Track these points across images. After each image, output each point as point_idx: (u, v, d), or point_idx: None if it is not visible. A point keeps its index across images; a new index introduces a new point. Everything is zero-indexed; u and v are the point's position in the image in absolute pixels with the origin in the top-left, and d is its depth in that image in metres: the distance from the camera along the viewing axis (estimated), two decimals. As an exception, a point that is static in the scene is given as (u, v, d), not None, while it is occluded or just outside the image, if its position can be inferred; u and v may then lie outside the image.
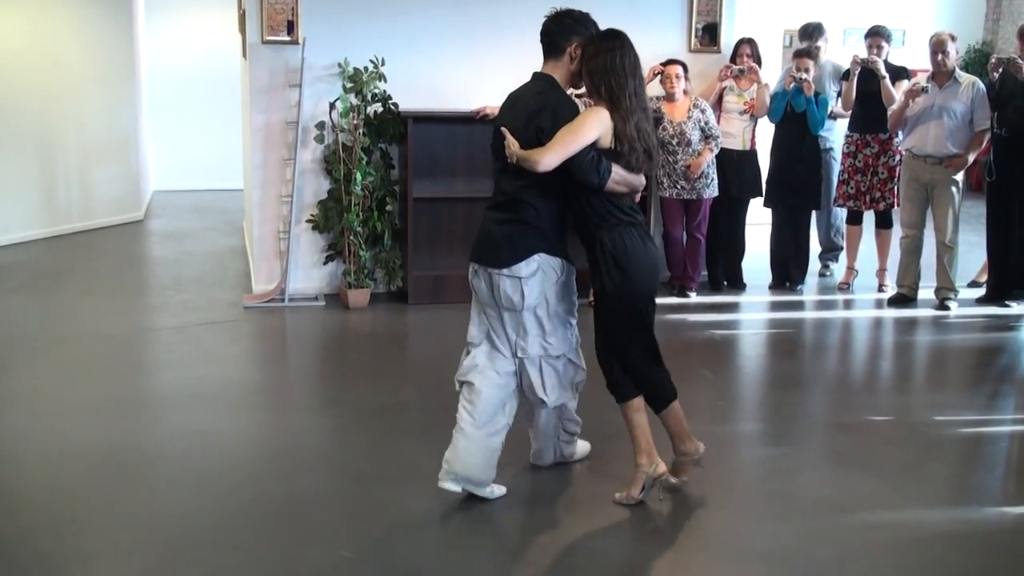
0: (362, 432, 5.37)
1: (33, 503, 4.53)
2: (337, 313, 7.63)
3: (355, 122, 7.60)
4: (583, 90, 4.56)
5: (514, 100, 4.50)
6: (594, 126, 4.22)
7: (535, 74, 4.50)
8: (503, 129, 4.36)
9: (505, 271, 4.38)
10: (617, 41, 4.30)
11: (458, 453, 4.47)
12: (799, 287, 8.50)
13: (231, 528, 4.30)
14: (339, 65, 7.64)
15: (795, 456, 5.26)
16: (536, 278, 4.38)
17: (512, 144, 4.29)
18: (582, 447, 5.00)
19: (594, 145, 4.21)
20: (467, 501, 4.54)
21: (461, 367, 4.61)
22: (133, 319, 7.49)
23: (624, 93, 4.23)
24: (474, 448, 4.46)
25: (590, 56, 4.31)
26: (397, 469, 4.89)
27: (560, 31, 4.41)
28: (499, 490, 4.60)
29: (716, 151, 7.97)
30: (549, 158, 4.17)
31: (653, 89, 7.90)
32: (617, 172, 4.25)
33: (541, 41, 4.49)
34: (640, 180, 4.38)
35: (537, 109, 4.32)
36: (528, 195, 4.36)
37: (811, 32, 8.68)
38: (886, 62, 8.14)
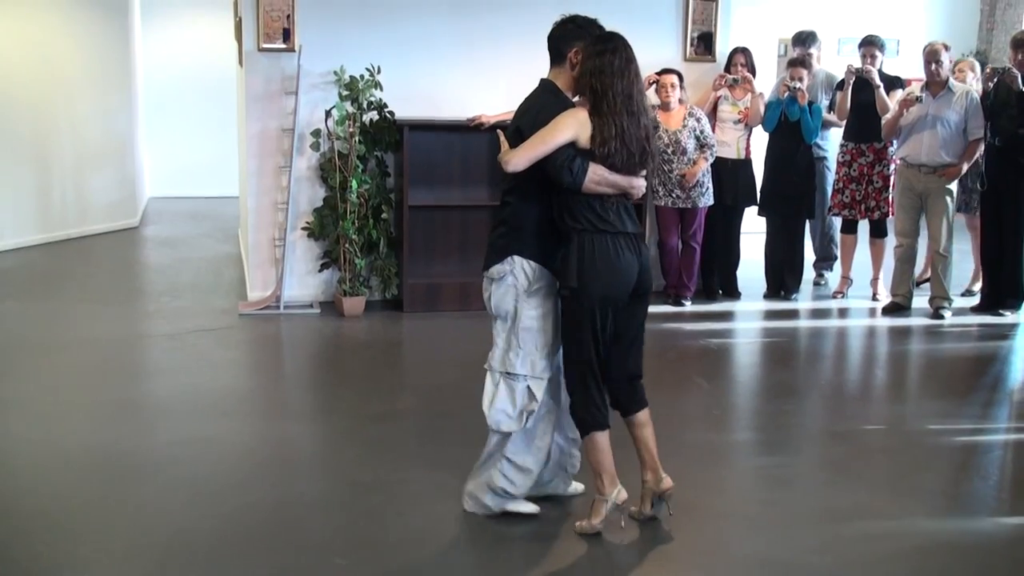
0: (357, 440, 5.37)
1: (27, 509, 4.51)
2: (332, 321, 7.63)
3: (351, 130, 7.60)
4: None
5: (522, 109, 4.45)
6: (568, 127, 4.14)
7: (540, 80, 4.48)
8: (499, 131, 4.35)
9: (485, 274, 4.33)
10: (610, 43, 4.21)
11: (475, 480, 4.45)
12: (794, 296, 8.51)
13: (225, 535, 4.29)
14: (335, 73, 7.65)
15: (790, 465, 5.27)
16: (506, 280, 4.26)
17: (503, 147, 4.26)
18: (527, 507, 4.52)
19: (573, 146, 4.12)
20: (461, 507, 4.53)
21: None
22: (128, 326, 7.49)
23: (608, 94, 4.12)
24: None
25: (584, 59, 4.24)
26: (392, 477, 4.88)
27: (562, 37, 4.38)
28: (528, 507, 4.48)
29: (711, 160, 7.99)
30: (517, 159, 4.13)
31: (648, 98, 7.93)
32: (596, 172, 4.12)
33: (548, 47, 4.46)
34: (630, 181, 4.21)
35: (523, 109, 4.32)
36: (511, 198, 4.31)
37: (804, 39, 8.71)
38: (881, 71, 8.16)
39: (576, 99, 4.33)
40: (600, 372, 4.25)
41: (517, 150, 4.15)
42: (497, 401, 4.30)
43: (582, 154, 4.12)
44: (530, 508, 4.48)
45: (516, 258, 4.25)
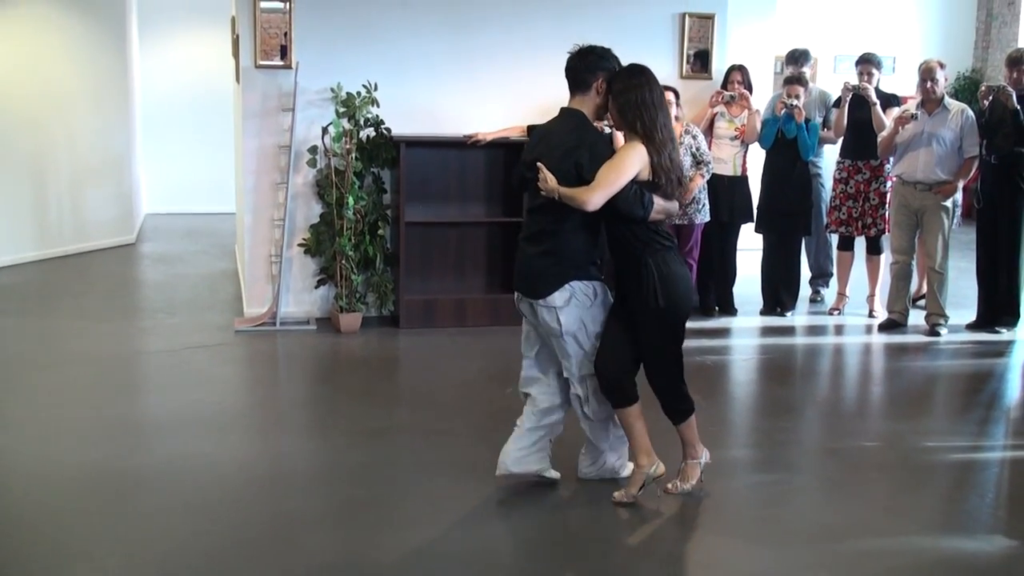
0: (353, 456, 5.36)
1: (23, 526, 4.51)
2: (328, 337, 7.63)
3: (348, 146, 7.61)
4: (605, 120, 4.80)
5: (544, 134, 4.65)
6: (635, 162, 4.40)
7: (563, 109, 4.65)
8: (540, 164, 4.47)
9: (542, 302, 4.62)
10: (643, 77, 4.48)
11: (509, 451, 4.85)
12: (790, 312, 8.52)
13: (221, 552, 4.28)
14: (332, 90, 7.66)
15: (787, 482, 5.26)
16: (571, 306, 4.60)
17: (550, 179, 4.43)
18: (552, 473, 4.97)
19: (635, 179, 4.40)
20: (460, 526, 4.52)
21: (520, 379, 4.94)
22: (124, 342, 7.48)
23: (656, 126, 4.42)
24: (529, 437, 4.84)
25: (618, 92, 4.48)
26: (388, 493, 4.87)
27: (586, 67, 4.57)
28: (552, 473, 4.92)
29: (707, 177, 7.99)
30: (596, 198, 4.36)
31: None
32: (658, 202, 4.47)
33: (567, 76, 4.63)
34: (674, 206, 4.61)
35: (574, 146, 4.49)
36: (563, 228, 4.56)
37: (797, 58, 8.74)
38: (877, 89, 8.19)
39: (606, 128, 4.66)
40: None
41: (593, 189, 4.36)
42: (590, 399, 4.74)
43: (642, 186, 4.43)
44: (554, 474, 4.95)
45: (574, 283, 4.61)
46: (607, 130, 5.57)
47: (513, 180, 4.85)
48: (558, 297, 4.58)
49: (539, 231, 4.63)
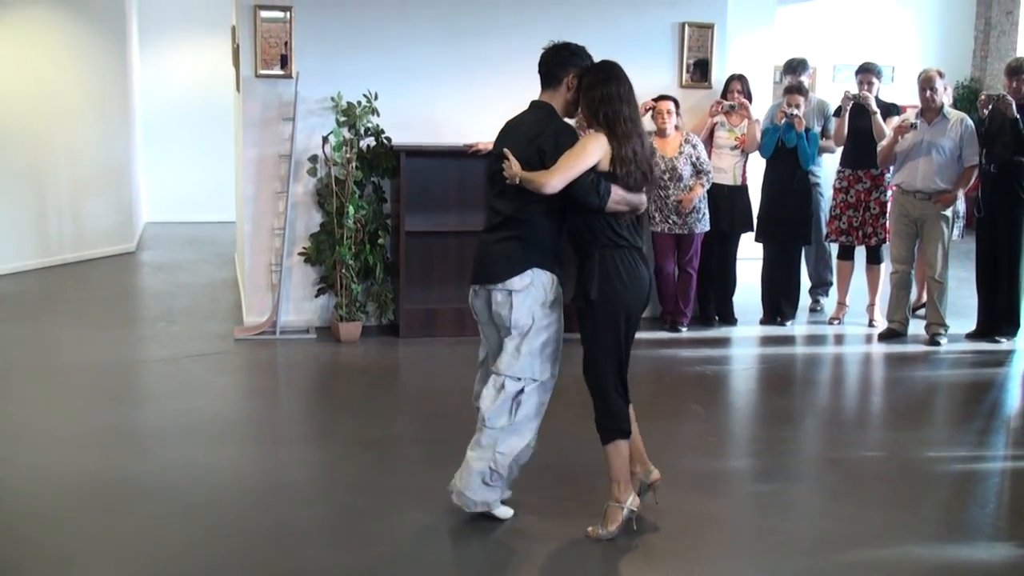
0: (352, 465, 5.35)
1: (20, 534, 4.50)
2: (328, 346, 7.62)
3: (348, 156, 7.62)
4: (576, 119, 4.78)
5: (513, 126, 4.66)
6: (595, 150, 4.40)
7: (533, 102, 4.66)
8: (505, 150, 4.47)
9: (500, 285, 4.48)
10: (612, 71, 4.51)
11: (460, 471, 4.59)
12: (790, 322, 8.52)
13: (219, 561, 4.27)
14: (332, 99, 7.67)
15: (787, 492, 5.26)
16: (527, 292, 4.46)
17: (514, 165, 4.41)
18: (503, 511, 4.72)
19: (594, 168, 4.37)
20: (456, 535, 4.52)
21: (474, 390, 4.78)
22: (124, 351, 7.48)
23: (620, 119, 4.42)
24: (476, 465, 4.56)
25: (587, 86, 4.51)
26: (387, 503, 4.87)
27: (558, 62, 4.61)
28: (505, 511, 4.68)
29: (707, 186, 8.00)
30: (555, 180, 4.33)
31: (645, 124, 7.94)
32: (617, 193, 4.39)
33: (539, 71, 4.66)
34: (640, 199, 4.51)
35: (539, 132, 4.49)
36: (528, 214, 4.47)
37: (795, 67, 8.75)
38: (877, 98, 8.20)
39: (574, 122, 4.58)
40: (623, 381, 4.51)
41: (551, 172, 4.34)
42: (498, 402, 4.50)
43: (601, 176, 4.38)
44: (506, 512, 4.68)
45: (536, 270, 4.47)
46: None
47: (485, 175, 4.79)
48: (517, 281, 4.45)
49: (502, 220, 4.53)
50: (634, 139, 4.45)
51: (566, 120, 4.62)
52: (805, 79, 8.68)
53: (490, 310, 4.55)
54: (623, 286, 4.42)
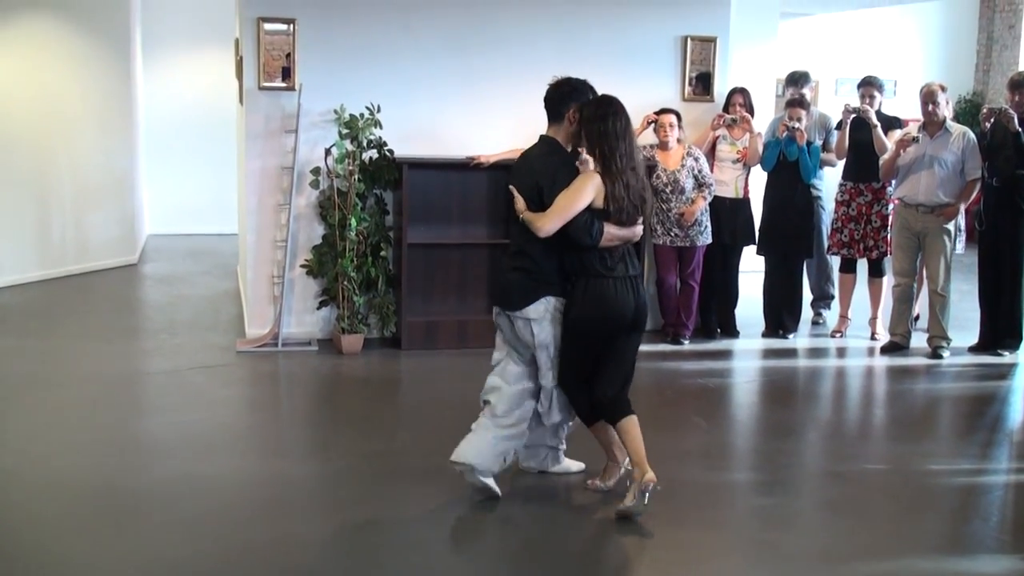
0: (354, 478, 5.35)
1: (24, 546, 4.49)
2: (330, 358, 7.62)
3: (350, 168, 7.63)
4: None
5: (521, 161, 5.05)
6: (588, 192, 4.71)
7: (541, 136, 5.02)
8: (511, 188, 4.88)
9: (519, 313, 4.89)
10: (610, 108, 4.77)
11: (469, 442, 4.97)
12: (792, 335, 8.51)
13: (222, 573, 4.27)
14: (335, 111, 7.68)
15: (789, 505, 5.25)
16: (546, 320, 4.88)
17: (519, 203, 4.83)
18: (568, 464, 5.37)
19: (590, 207, 4.69)
20: (461, 549, 4.51)
21: (485, 387, 5.13)
22: (126, 362, 7.48)
23: (615, 156, 4.71)
24: (486, 436, 4.96)
25: (586, 120, 4.80)
26: (389, 515, 4.86)
27: (559, 98, 4.93)
28: (495, 487, 4.99)
29: (709, 199, 8.01)
30: (549, 225, 4.71)
31: (647, 137, 7.98)
32: (609, 231, 4.75)
33: (544, 106, 4.98)
34: (633, 231, 4.85)
35: (539, 170, 4.85)
36: (532, 248, 4.85)
37: (797, 79, 8.77)
38: (879, 112, 8.21)
39: (582, 155, 4.92)
40: (584, 388, 4.95)
41: (547, 216, 4.72)
42: (553, 407, 5.04)
43: (596, 213, 4.71)
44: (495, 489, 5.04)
45: (548, 298, 4.88)
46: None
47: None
48: (532, 310, 4.86)
49: (516, 249, 4.96)
50: (627, 174, 4.74)
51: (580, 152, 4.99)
52: (807, 92, 8.70)
53: (512, 329, 4.97)
54: (594, 313, 4.80)
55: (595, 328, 4.84)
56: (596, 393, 4.90)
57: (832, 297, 9.08)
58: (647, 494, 4.73)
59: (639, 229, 4.89)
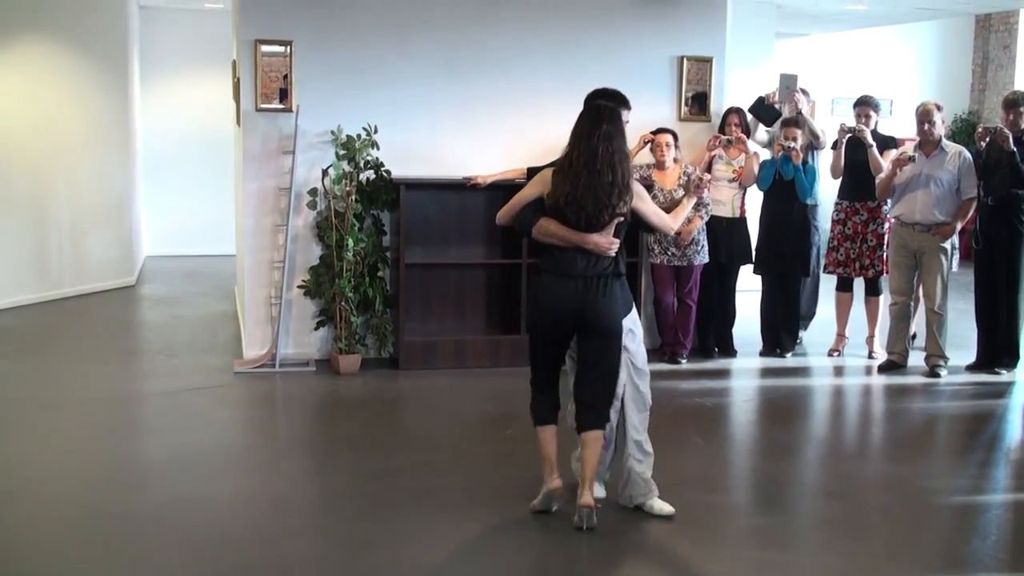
0: (352, 499, 5.34)
1: (20, 569, 4.48)
2: (328, 379, 7.62)
3: (347, 189, 7.64)
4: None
5: None
6: (530, 187, 4.98)
7: None
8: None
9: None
10: (587, 107, 4.95)
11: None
12: (789, 353, 8.52)
13: (219, 596, 4.26)
14: (332, 132, 7.70)
15: (787, 524, 5.24)
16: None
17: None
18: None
19: (541, 200, 4.88)
20: (459, 569, 4.50)
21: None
22: (123, 384, 7.47)
23: (573, 154, 4.79)
24: None
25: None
26: (387, 536, 4.85)
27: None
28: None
29: (706, 218, 8.03)
30: (499, 215, 5.10)
31: (643, 157, 7.99)
32: (543, 226, 4.86)
33: None
34: (581, 238, 4.80)
35: None
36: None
37: (788, 82, 8.70)
38: (875, 131, 8.23)
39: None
40: (547, 384, 5.06)
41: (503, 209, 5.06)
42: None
43: (536, 208, 4.90)
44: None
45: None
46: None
47: None
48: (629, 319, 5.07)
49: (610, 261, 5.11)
50: (582, 175, 4.73)
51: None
52: (801, 97, 8.61)
53: None
54: (542, 308, 4.90)
55: (538, 321, 4.96)
56: (574, 394, 5.00)
57: (812, 317, 9.06)
58: (583, 519, 4.81)
59: (595, 239, 4.79)
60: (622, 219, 4.83)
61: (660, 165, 7.96)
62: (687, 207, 5.40)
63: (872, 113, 8.35)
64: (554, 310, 4.85)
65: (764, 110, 8.59)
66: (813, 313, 9.07)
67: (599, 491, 5.16)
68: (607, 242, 4.81)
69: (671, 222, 5.18)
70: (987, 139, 7.85)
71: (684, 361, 8.21)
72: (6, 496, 5.31)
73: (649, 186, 7.79)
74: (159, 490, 5.42)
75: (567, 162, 4.77)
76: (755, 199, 8.58)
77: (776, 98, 8.61)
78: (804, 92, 8.71)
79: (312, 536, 4.91)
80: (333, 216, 7.68)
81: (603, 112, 4.80)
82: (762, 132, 8.74)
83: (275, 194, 7.88)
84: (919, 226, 7.84)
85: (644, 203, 4.97)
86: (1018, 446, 6.70)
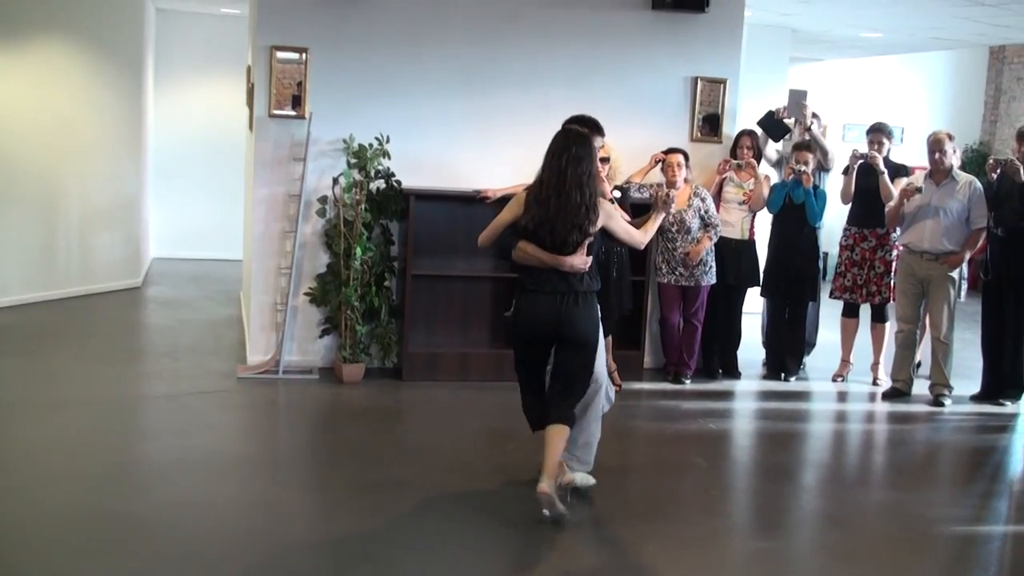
0: (352, 508, 5.32)
1: (20, 570, 4.47)
2: (330, 387, 7.61)
3: (357, 197, 7.64)
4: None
5: None
6: (506, 211, 5.25)
7: None
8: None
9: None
10: (564, 138, 5.12)
11: None
12: (793, 377, 8.50)
13: (215, 601, 4.25)
14: (344, 141, 7.71)
15: (787, 549, 5.22)
16: None
17: None
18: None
19: (518, 222, 5.14)
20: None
21: None
22: (127, 386, 7.47)
23: (543, 177, 5.07)
24: None
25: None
26: (386, 547, 4.84)
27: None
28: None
29: (715, 239, 8.02)
30: (480, 237, 5.34)
31: (654, 176, 8.00)
32: (522, 249, 5.13)
33: None
34: (556, 260, 5.10)
35: None
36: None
37: (798, 97, 8.74)
38: (887, 159, 8.23)
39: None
40: (535, 381, 5.38)
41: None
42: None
43: (513, 233, 5.16)
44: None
45: None
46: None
47: None
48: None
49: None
50: (552, 198, 5.01)
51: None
52: (809, 114, 8.63)
53: None
54: (522, 320, 5.22)
55: (521, 331, 5.28)
56: (547, 390, 5.34)
57: (813, 344, 9.04)
58: (544, 505, 5.01)
59: (569, 261, 5.09)
60: (591, 239, 5.15)
61: (671, 185, 7.95)
62: (656, 222, 5.69)
63: (885, 140, 8.35)
64: (535, 321, 5.19)
65: (773, 125, 8.62)
66: (814, 341, 9.04)
67: (588, 479, 5.51)
68: (581, 262, 5.13)
69: (641, 237, 5.51)
70: (998, 171, 7.86)
71: (688, 381, 8.20)
72: (7, 495, 5.29)
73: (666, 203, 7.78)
74: (158, 494, 5.40)
75: (538, 185, 5.04)
76: (765, 222, 8.58)
77: (786, 113, 8.63)
78: (816, 116, 8.73)
79: (310, 545, 4.89)
80: (342, 224, 7.68)
81: (571, 136, 5.06)
82: (772, 150, 8.76)
83: (285, 200, 7.88)
84: (927, 254, 7.83)
85: (613, 221, 5.30)
86: (1021, 478, 6.68)
